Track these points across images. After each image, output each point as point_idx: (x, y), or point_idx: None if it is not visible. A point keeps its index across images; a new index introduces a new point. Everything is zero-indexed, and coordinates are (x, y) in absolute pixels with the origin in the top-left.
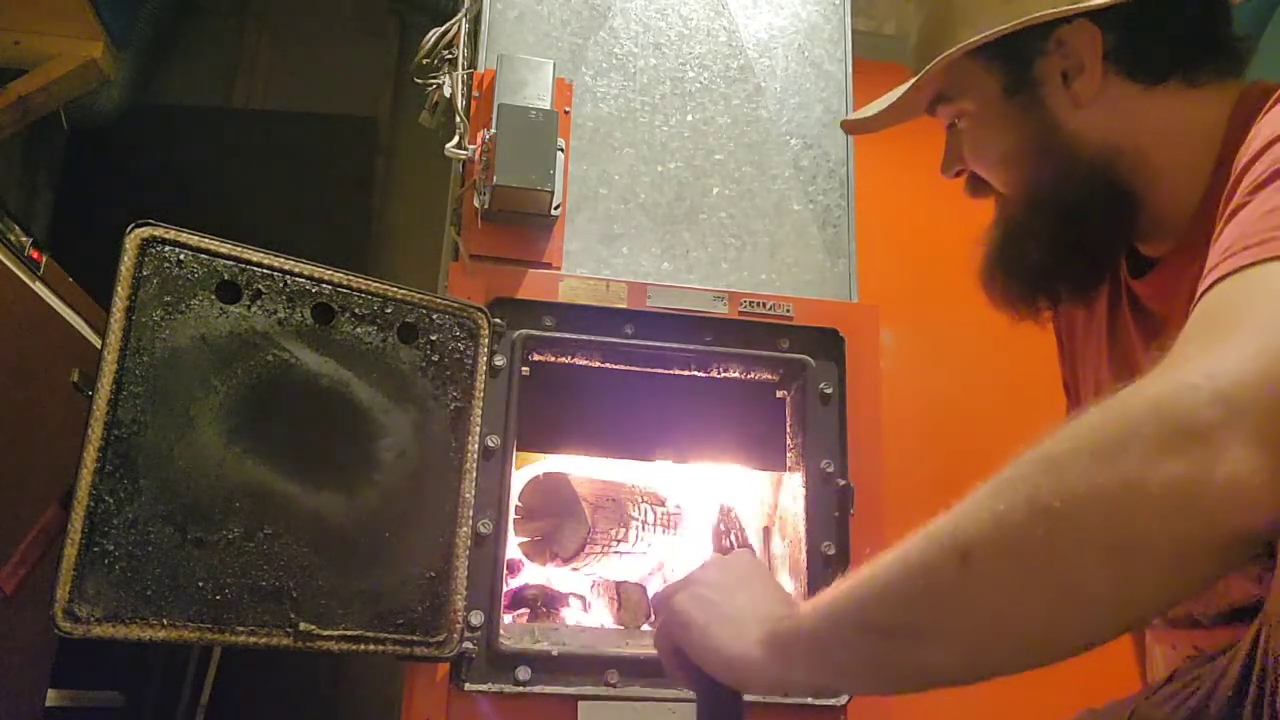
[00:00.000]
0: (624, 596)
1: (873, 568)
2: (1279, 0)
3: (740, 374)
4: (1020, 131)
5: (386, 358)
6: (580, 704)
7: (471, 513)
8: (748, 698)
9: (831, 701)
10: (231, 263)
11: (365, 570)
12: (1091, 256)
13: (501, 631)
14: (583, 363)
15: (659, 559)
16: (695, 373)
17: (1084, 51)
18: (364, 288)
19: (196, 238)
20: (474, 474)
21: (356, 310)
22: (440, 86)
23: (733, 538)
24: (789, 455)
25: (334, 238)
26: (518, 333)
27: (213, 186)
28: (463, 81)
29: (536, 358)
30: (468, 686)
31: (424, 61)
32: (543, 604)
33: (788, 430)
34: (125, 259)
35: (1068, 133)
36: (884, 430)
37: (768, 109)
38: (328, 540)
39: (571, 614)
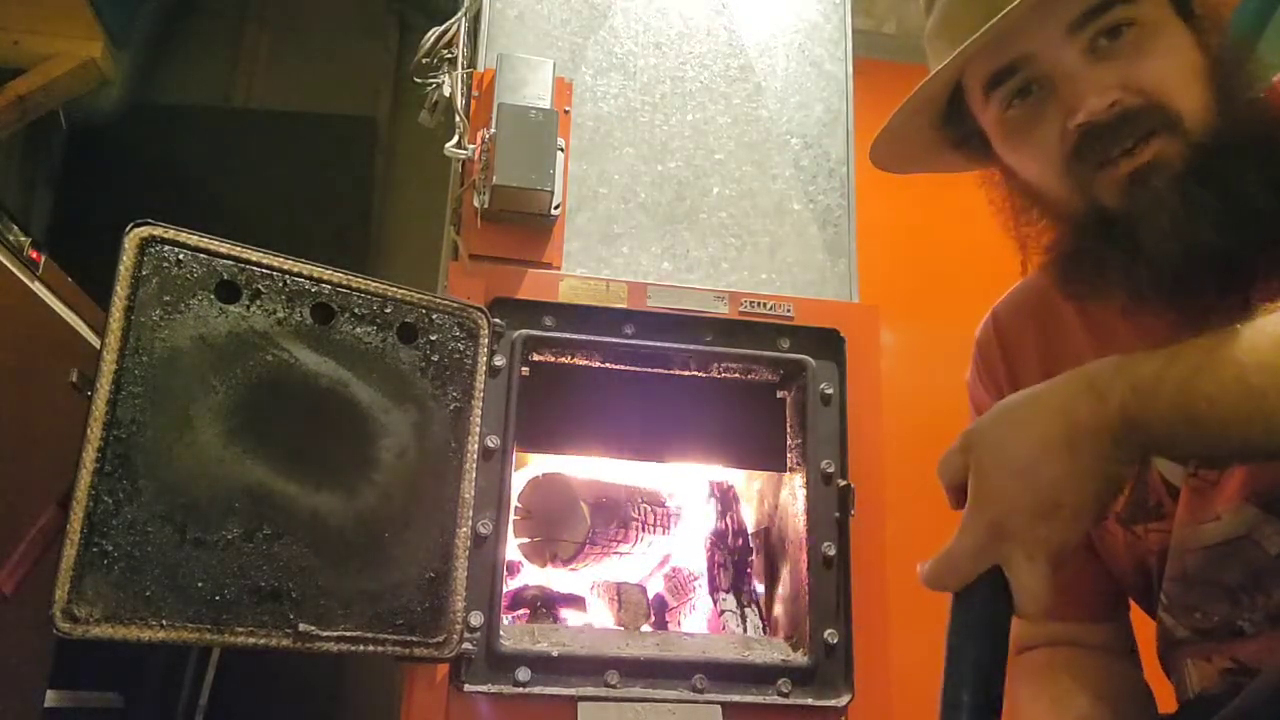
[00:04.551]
0: (624, 597)
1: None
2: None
3: (740, 374)
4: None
5: (386, 358)
6: (580, 704)
7: (471, 513)
8: (743, 699)
9: (831, 702)
10: (231, 262)
11: (365, 570)
12: None
13: (501, 632)
14: (583, 363)
15: (659, 558)
16: (695, 373)
17: None
18: (364, 288)
19: (196, 237)
20: (474, 474)
21: (356, 310)
22: (440, 86)
23: (728, 520)
24: (789, 455)
25: (334, 238)
26: (518, 333)
27: (212, 186)
28: (462, 81)
29: (536, 358)
30: (467, 687)
31: (424, 61)
32: (542, 604)
33: (788, 430)
34: (125, 259)
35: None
36: (884, 430)
37: (768, 108)
38: (327, 540)
39: (571, 614)
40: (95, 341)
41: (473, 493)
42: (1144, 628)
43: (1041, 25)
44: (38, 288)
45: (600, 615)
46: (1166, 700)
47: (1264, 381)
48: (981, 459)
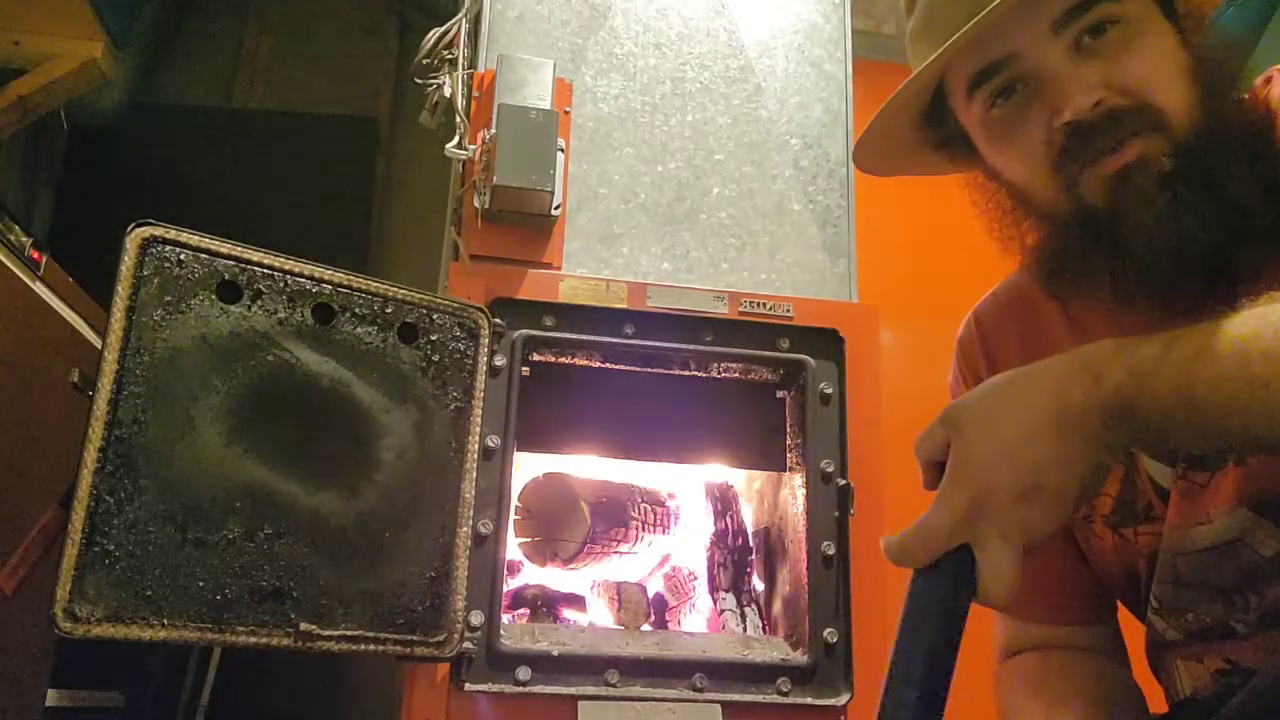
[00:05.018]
0: (624, 596)
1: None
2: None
3: (740, 374)
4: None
5: (387, 358)
6: (580, 704)
7: (471, 513)
8: (742, 698)
9: (831, 701)
10: (232, 262)
11: (365, 570)
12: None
13: (501, 631)
14: (583, 363)
15: (659, 558)
16: (695, 373)
17: None
18: (364, 288)
19: (197, 237)
20: (474, 474)
21: (357, 310)
22: (440, 86)
23: (729, 519)
24: (789, 455)
25: (334, 238)
26: (518, 333)
27: (213, 186)
28: (463, 81)
29: (536, 358)
30: (468, 686)
31: (424, 61)
32: (543, 604)
33: (788, 430)
34: (126, 259)
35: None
36: (883, 430)
37: (768, 109)
38: (328, 540)
39: (571, 614)
40: (96, 341)
41: (473, 492)
42: (1131, 629)
43: (1025, 23)
44: (39, 288)
45: (600, 615)
46: (1154, 701)
47: (1268, 371)
48: (967, 435)
